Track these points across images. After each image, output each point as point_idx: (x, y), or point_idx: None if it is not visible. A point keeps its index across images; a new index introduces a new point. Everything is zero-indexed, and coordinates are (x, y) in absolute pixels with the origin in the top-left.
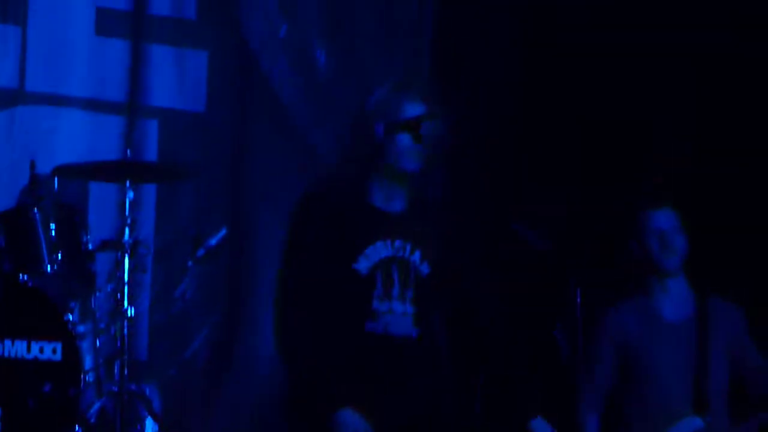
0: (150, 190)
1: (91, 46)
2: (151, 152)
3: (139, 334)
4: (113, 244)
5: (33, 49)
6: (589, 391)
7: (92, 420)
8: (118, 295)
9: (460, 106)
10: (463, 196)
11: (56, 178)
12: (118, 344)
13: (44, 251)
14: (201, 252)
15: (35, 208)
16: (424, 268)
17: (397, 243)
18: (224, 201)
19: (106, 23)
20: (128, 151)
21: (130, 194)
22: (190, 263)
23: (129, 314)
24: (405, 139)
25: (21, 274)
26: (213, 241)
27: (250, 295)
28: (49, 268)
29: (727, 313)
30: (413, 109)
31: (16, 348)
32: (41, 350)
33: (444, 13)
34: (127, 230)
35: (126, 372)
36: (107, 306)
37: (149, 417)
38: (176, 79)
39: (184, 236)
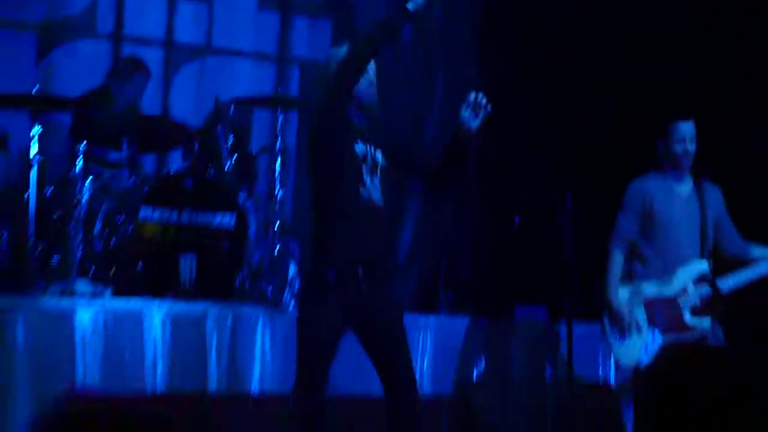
0: (294, 116)
1: (253, 16)
2: (294, 90)
3: (285, 208)
4: (269, 150)
5: (217, 18)
6: (617, 236)
7: (255, 264)
8: (272, 183)
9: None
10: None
11: (232, 106)
12: (272, 214)
13: (225, 155)
14: None
15: (219, 126)
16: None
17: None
18: None
19: (265, 1)
20: (279, 89)
21: (280, 117)
22: None
23: (278, 196)
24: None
25: (209, 169)
26: None
27: None
28: (227, 166)
29: (712, 191)
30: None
31: (207, 218)
32: (222, 219)
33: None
34: (278, 140)
35: (277, 233)
36: (265, 190)
37: (292, 262)
38: (309, 38)
39: None
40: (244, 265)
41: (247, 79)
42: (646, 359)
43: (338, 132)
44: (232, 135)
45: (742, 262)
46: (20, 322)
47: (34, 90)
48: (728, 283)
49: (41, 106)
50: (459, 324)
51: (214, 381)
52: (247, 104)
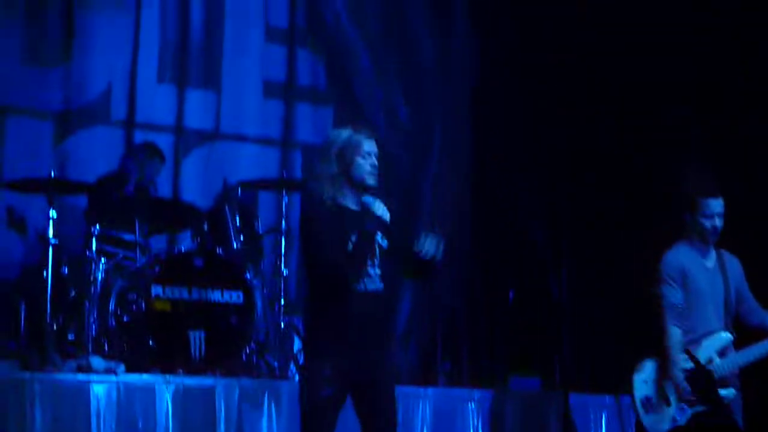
0: (297, 198)
1: (259, 104)
2: (297, 172)
3: (290, 285)
4: (274, 230)
5: (225, 106)
6: (670, 310)
7: (262, 339)
8: (278, 261)
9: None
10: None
11: (239, 189)
12: (278, 291)
13: (232, 234)
14: None
15: (226, 207)
16: (384, 243)
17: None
18: None
19: (270, 90)
20: (284, 172)
21: (285, 199)
22: None
23: (284, 273)
24: (365, 164)
25: (218, 249)
26: None
27: None
28: (235, 245)
29: (732, 262)
30: (369, 145)
31: (216, 295)
32: (231, 296)
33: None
34: (283, 221)
35: (282, 309)
36: (271, 268)
37: (296, 337)
38: (313, 125)
39: None
40: (251, 339)
41: (253, 163)
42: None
43: (334, 221)
44: (239, 216)
45: (763, 332)
46: (37, 396)
47: (51, 174)
48: (750, 354)
49: (57, 191)
50: (457, 395)
51: None
52: (253, 187)
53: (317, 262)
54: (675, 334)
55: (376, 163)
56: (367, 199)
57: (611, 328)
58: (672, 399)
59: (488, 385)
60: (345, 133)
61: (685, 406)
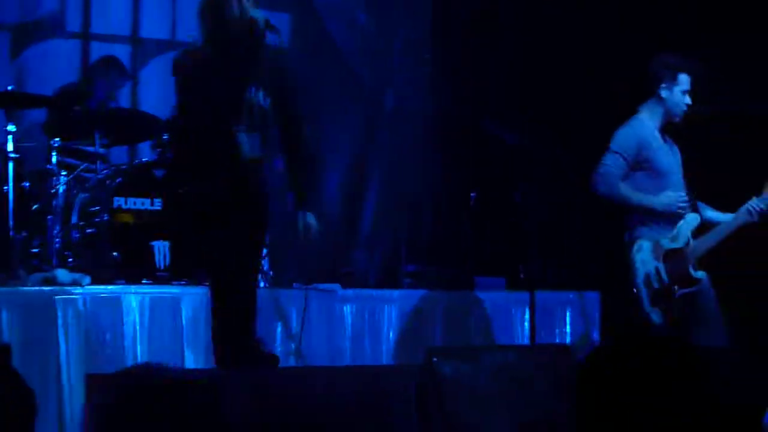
0: None
1: None
2: None
3: None
4: None
5: (179, 14)
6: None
7: None
8: None
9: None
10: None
11: None
12: None
13: None
14: None
15: None
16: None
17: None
18: None
19: None
20: None
21: None
22: None
23: None
24: None
25: None
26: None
27: None
28: None
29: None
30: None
31: None
32: None
33: None
34: None
35: None
36: None
37: None
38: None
39: None
40: None
41: None
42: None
43: None
44: None
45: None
46: (4, 310)
47: (9, 88)
48: (717, 234)
49: (15, 104)
50: (422, 296)
51: (191, 361)
52: None
53: None
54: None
55: None
56: None
57: (572, 225)
58: (665, 280)
59: (453, 286)
60: None
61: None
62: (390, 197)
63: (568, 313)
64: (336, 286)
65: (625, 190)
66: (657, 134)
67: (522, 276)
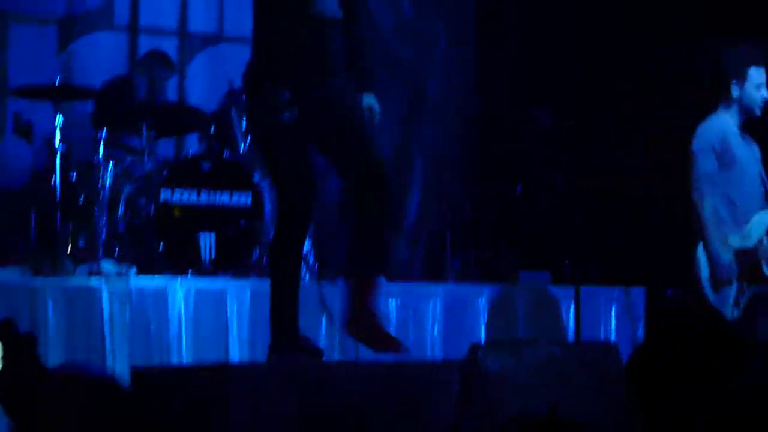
0: None
1: None
2: None
3: None
4: None
5: (227, 9)
6: (704, 179)
7: (270, 240)
8: None
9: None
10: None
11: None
12: None
13: (239, 137)
14: None
15: (232, 110)
16: None
17: None
18: None
19: None
20: None
21: None
22: None
23: None
24: None
25: (225, 152)
26: None
27: None
28: (242, 148)
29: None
30: None
31: (224, 198)
32: (239, 199)
33: None
34: None
35: None
36: None
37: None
38: None
39: None
40: (261, 241)
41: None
42: (737, 312)
43: None
44: (245, 118)
45: None
46: (50, 302)
47: (57, 81)
48: None
49: (63, 96)
50: (467, 291)
51: (235, 353)
52: None
53: None
54: (709, 206)
55: None
56: None
57: (621, 221)
58: (734, 278)
59: (498, 280)
60: None
61: (746, 284)
62: (433, 189)
63: (613, 309)
64: (380, 279)
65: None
66: (736, 130)
67: (567, 271)
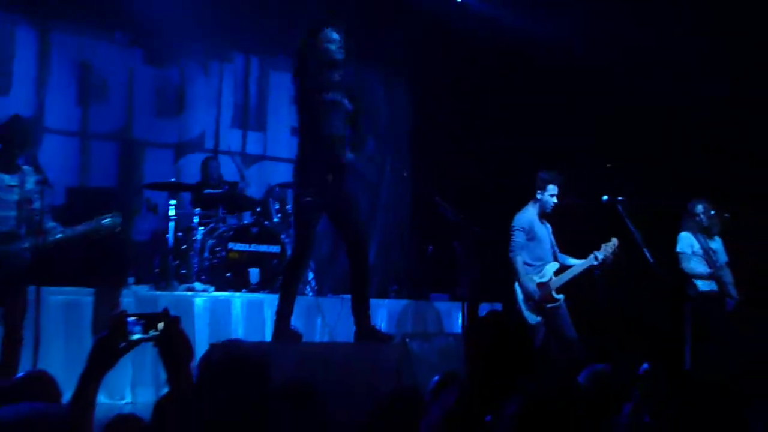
0: None
1: (288, 139)
2: None
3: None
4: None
5: (269, 141)
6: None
7: None
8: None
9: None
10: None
11: (277, 188)
12: None
13: (273, 214)
14: None
15: (270, 198)
16: None
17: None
18: None
19: (294, 131)
20: None
21: None
22: None
23: None
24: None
25: (265, 222)
26: None
27: None
28: (275, 220)
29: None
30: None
31: (264, 248)
32: (273, 249)
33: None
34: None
35: None
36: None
37: (310, 270)
38: None
39: None
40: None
41: (285, 173)
42: (538, 320)
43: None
44: (277, 203)
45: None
46: (162, 306)
47: (172, 180)
48: (569, 275)
49: (175, 189)
50: (400, 304)
51: (268, 337)
52: (285, 187)
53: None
54: (520, 261)
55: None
56: None
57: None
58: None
59: (417, 298)
60: None
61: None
62: (383, 242)
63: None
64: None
65: (521, 265)
66: (537, 218)
67: (458, 293)
